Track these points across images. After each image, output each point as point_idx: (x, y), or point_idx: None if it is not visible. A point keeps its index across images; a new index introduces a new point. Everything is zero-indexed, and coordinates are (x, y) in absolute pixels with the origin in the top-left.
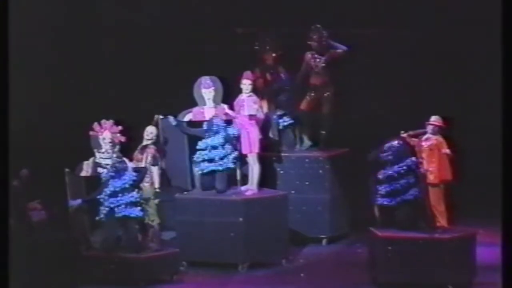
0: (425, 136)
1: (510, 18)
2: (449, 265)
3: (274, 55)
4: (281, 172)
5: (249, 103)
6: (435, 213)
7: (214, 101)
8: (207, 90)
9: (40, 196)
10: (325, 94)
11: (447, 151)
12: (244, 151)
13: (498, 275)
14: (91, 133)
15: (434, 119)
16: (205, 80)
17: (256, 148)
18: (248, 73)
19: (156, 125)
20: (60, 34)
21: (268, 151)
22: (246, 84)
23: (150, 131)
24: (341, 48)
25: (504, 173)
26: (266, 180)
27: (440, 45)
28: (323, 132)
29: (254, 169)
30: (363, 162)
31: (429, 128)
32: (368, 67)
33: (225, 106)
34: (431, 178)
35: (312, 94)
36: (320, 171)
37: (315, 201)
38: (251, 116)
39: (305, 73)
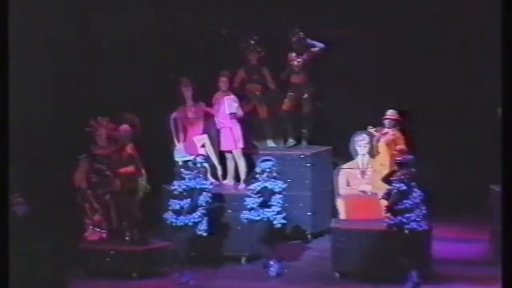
0: (384, 130)
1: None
2: (400, 256)
3: (258, 55)
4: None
5: (229, 102)
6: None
7: (193, 99)
8: (186, 89)
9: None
10: (305, 93)
11: (402, 147)
12: (229, 148)
13: (473, 268)
14: (87, 129)
15: (390, 113)
16: (184, 79)
17: (240, 144)
18: (224, 72)
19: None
20: (58, 35)
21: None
22: (223, 81)
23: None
24: (318, 46)
25: (504, 171)
26: (249, 177)
27: (426, 44)
28: (305, 130)
29: (240, 164)
30: (345, 160)
31: (386, 122)
32: (350, 66)
33: (203, 104)
34: (384, 172)
35: (292, 94)
36: (302, 169)
37: (297, 198)
38: (232, 114)
39: (289, 73)
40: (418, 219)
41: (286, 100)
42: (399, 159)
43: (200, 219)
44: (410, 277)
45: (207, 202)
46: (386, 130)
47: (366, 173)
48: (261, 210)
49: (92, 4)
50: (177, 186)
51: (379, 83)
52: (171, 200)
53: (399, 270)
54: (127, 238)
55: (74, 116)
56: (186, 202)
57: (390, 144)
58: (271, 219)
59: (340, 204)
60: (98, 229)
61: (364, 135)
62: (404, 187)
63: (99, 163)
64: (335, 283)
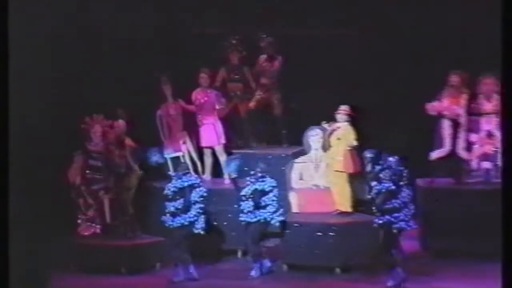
0: (336, 125)
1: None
2: (340, 249)
3: (239, 55)
4: (245, 168)
5: (218, 99)
6: (340, 199)
7: (173, 97)
8: (165, 87)
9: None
10: (275, 95)
11: (354, 143)
12: (212, 144)
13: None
14: (82, 126)
15: (343, 107)
16: (163, 78)
17: (223, 139)
18: (204, 69)
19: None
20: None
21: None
22: (203, 78)
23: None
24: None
25: (504, 171)
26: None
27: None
28: (285, 131)
29: (222, 160)
30: None
31: (338, 117)
32: (330, 66)
33: (182, 102)
34: (338, 166)
35: (262, 94)
36: (283, 168)
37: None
38: (219, 110)
39: (259, 74)
40: (406, 219)
41: (254, 99)
42: (390, 160)
43: (195, 217)
44: (395, 273)
45: (201, 197)
46: (338, 124)
47: (319, 167)
48: (257, 212)
49: (86, 4)
50: (167, 190)
51: (359, 83)
52: (166, 203)
53: (351, 263)
54: (120, 234)
55: (69, 114)
56: (179, 203)
57: (341, 139)
58: (268, 219)
59: (293, 197)
60: (91, 224)
61: (318, 130)
62: (393, 187)
63: (93, 160)
64: (320, 280)
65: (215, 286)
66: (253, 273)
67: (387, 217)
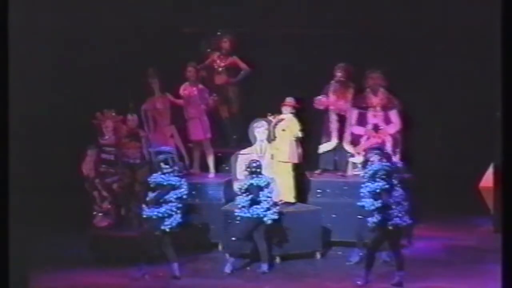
0: (280, 116)
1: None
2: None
3: (218, 53)
4: (226, 168)
5: (203, 95)
6: (284, 189)
7: (160, 90)
8: (152, 80)
9: None
10: (230, 94)
11: (299, 134)
12: (198, 137)
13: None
14: (94, 121)
15: (288, 100)
16: (150, 71)
17: (209, 133)
18: (191, 63)
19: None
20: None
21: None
22: (191, 71)
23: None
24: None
25: (504, 170)
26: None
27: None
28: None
29: (209, 154)
30: None
31: (283, 109)
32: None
33: (170, 95)
34: (283, 157)
35: (216, 94)
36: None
37: None
38: (204, 104)
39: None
40: (400, 215)
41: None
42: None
43: (165, 214)
44: (400, 273)
45: (178, 198)
46: (283, 116)
47: (264, 158)
48: (251, 208)
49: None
50: (150, 179)
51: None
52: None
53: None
54: (135, 225)
55: (82, 110)
56: (154, 195)
57: (286, 130)
58: (261, 215)
59: (237, 188)
60: (106, 216)
61: (263, 122)
62: (387, 186)
63: (106, 154)
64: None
65: (195, 284)
66: (227, 269)
67: (382, 215)
